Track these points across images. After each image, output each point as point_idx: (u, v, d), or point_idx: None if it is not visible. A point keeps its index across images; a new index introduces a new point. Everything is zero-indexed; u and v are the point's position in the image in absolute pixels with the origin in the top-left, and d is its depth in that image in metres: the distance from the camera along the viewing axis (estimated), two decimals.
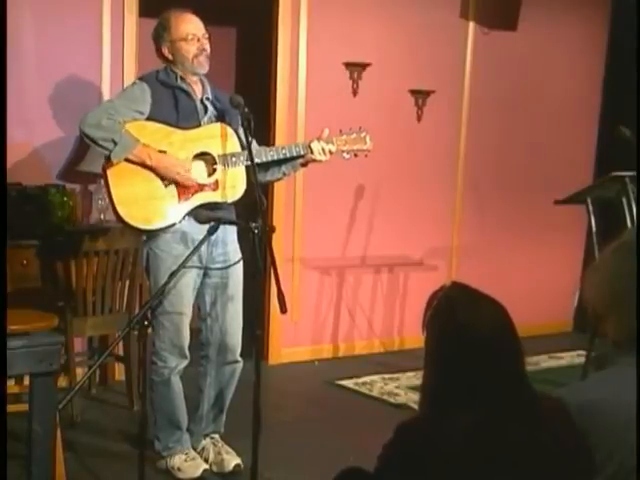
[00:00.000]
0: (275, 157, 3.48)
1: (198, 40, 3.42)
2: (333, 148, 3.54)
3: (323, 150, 3.51)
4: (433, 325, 1.76)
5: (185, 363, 3.55)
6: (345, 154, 3.61)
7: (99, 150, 3.36)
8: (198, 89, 3.51)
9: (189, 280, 3.45)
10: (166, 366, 3.50)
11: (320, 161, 3.55)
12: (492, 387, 1.66)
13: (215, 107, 3.52)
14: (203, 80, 3.54)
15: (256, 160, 3.36)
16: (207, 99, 3.52)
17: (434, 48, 5.74)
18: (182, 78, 3.46)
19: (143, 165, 3.35)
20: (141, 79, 3.50)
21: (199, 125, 3.46)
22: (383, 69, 5.52)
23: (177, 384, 3.55)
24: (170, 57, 3.46)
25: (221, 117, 3.51)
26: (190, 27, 3.43)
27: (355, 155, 3.64)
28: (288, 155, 3.51)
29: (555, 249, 6.46)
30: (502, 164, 6.17)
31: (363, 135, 3.63)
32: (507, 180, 6.21)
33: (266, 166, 3.55)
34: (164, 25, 3.47)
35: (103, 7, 4.59)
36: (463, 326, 1.69)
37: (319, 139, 3.52)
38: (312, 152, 3.51)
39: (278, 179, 3.76)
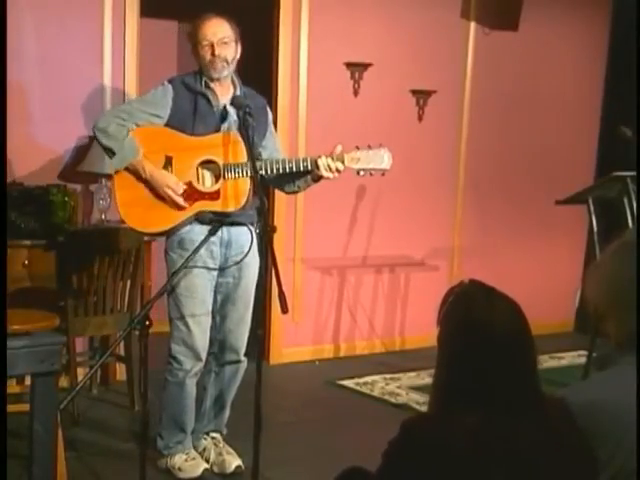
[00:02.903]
0: (281, 170, 3.41)
1: (211, 46, 3.41)
2: (341, 166, 3.39)
3: (329, 167, 3.38)
4: (448, 321, 1.75)
5: (200, 365, 3.54)
6: (360, 172, 3.43)
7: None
8: (224, 94, 3.48)
9: (205, 282, 3.46)
10: (181, 368, 3.50)
11: (328, 178, 3.42)
12: (504, 386, 1.65)
13: (238, 115, 3.41)
14: (236, 83, 3.52)
15: (261, 172, 3.34)
16: (231, 105, 3.48)
17: (435, 48, 5.74)
18: (207, 83, 3.46)
19: (138, 177, 3.39)
20: (170, 81, 3.50)
21: (216, 131, 3.44)
22: (384, 69, 5.52)
23: (191, 387, 3.55)
24: (195, 59, 3.48)
25: (244, 124, 3.37)
26: (205, 32, 3.42)
27: (370, 174, 3.46)
28: (295, 169, 3.42)
29: (556, 249, 6.46)
30: (503, 164, 6.18)
31: (382, 153, 3.45)
32: (508, 180, 6.21)
33: (279, 178, 3.53)
34: (190, 30, 3.49)
35: (104, 7, 4.59)
36: (478, 323, 1.68)
37: (329, 155, 3.40)
38: (318, 168, 3.39)
39: (294, 192, 3.68)
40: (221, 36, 3.42)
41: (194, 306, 3.46)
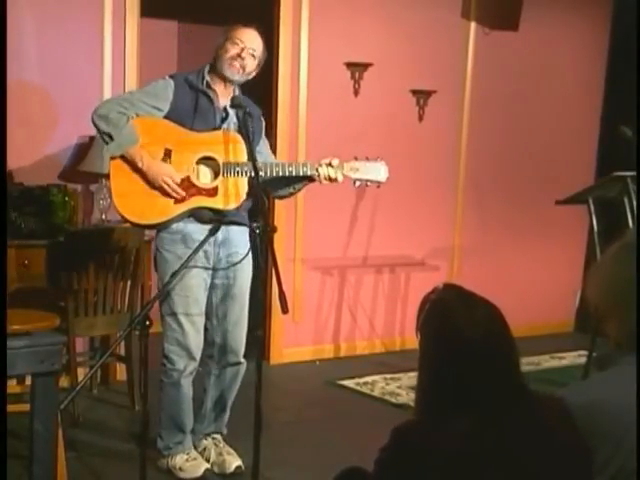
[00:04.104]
0: (280, 173, 3.43)
1: (242, 49, 3.43)
2: (340, 178, 3.46)
3: (329, 176, 3.45)
4: (427, 328, 1.75)
5: (194, 365, 3.54)
6: (357, 182, 3.49)
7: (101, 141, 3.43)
8: (224, 96, 3.50)
9: (199, 281, 3.46)
10: (174, 368, 3.50)
11: (324, 184, 3.50)
12: (487, 389, 1.65)
13: (238, 117, 3.48)
14: (235, 90, 3.54)
15: (261, 174, 3.33)
16: (231, 107, 3.50)
17: (435, 48, 5.74)
18: (208, 83, 3.47)
19: (134, 167, 3.37)
20: (171, 76, 3.52)
21: (214, 131, 3.46)
22: (384, 69, 5.53)
23: (187, 387, 3.54)
24: (215, 55, 3.48)
25: (241, 127, 3.44)
26: (242, 35, 3.45)
27: (366, 185, 3.52)
28: (294, 174, 3.46)
29: (556, 249, 6.46)
30: (503, 164, 6.18)
31: (379, 165, 3.50)
32: (509, 180, 6.21)
33: (275, 182, 3.53)
34: (226, 28, 3.50)
35: (104, 7, 4.59)
36: (456, 329, 1.68)
37: (328, 164, 3.45)
38: (318, 175, 3.45)
39: (290, 194, 3.70)
40: (255, 47, 3.47)
41: (188, 305, 3.46)
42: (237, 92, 3.55)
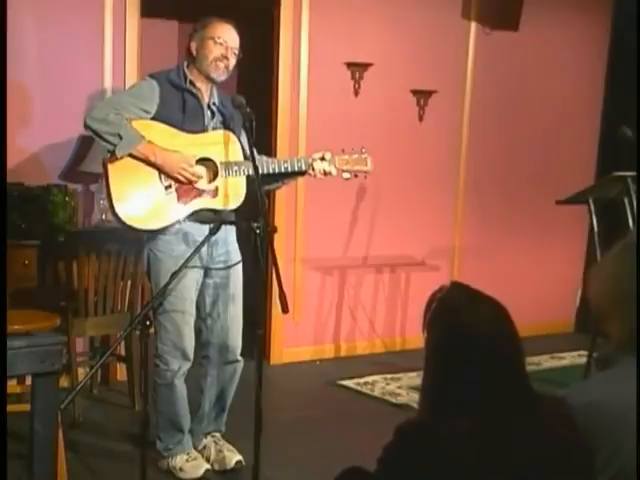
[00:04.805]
0: (276, 170, 3.47)
1: (226, 48, 3.42)
2: (334, 171, 3.54)
3: (324, 171, 3.52)
4: (433, 326, 1.75)
5: (188, 366, 3.53)
6: (345, 174, 3.59)
7: (103, 144, 3.33)
8: (206, 94, 3.51)
9: (191, 281, 3.45)
10: (168, 369, 3.49)
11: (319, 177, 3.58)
12: (493, 388, 1.65)
13: (222, 113, 3.51)
14: (212, 86, 3.54)
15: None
16: (214, 104, 3.52)
17: (436, 48, 5.74)
18: (192, 82, 3.46)
19: (147, 162, 3.34)
20: (152, 76, 3.48)
21: (204, 130, 3.46)
22: (385, 69, 5.52)
23: (181, 387, 3.54)
24: (194, 53, 3.46)
25: (227, 124, 3.50)
26: (223, 32, 3.44)
27: (355, 175, 3.61)
28: (289, 170, 3.50)
29: (557, 249, 6.46)
30: (504, 164, 6.17)
31: (364, 157, 3.59)
32: (509, 180, 6.21)
33: (267, 177, 3.55)
34: (203, 23, 3.48)
35: (105, 7, 4.59)
36: (464, 327, 1.68)
37: (322, 159, 3.51)
38: (313, 170, 3.51)
39: (278, 187, 3.78)
40: (236, 45, 3.47)
41: (182, 305, 3.46)
42: (215, 89, 3.54)
